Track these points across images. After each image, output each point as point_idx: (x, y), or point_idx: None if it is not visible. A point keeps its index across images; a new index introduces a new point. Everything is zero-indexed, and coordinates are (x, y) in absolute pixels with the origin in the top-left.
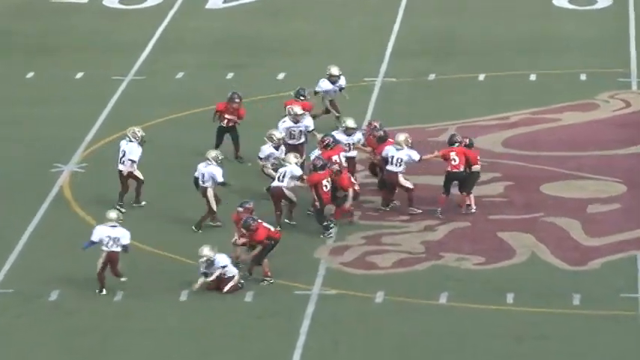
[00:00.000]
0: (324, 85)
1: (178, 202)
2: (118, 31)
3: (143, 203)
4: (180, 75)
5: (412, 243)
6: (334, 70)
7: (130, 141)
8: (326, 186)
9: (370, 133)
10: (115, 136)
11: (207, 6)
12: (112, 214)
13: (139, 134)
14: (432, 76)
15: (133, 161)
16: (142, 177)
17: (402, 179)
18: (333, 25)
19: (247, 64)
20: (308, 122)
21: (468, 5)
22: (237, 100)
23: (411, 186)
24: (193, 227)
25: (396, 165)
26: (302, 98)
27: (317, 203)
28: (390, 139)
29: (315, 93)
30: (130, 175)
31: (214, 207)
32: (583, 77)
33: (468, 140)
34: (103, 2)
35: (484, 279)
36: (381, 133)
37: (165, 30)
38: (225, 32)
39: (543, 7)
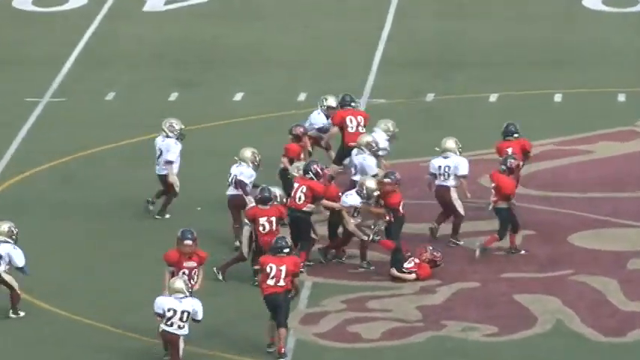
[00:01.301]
0: (319, 119)
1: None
2: (31, 40)
3: (167, 216)
4: (110, 95)
5: (406, 308)
6: (331, 101)
7: (167, 136)
8: (263, 225)
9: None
10: (26, 174)
11: (146, 8)
12: (179, 283)
13: (177, 127)
14: (430, 96)
15: (169, 162)
16: (177, 186)
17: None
18: (305, 30)
19: (196, 80)
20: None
21: (476, 5)
22: None
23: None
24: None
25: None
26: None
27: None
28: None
29: (304, 134)
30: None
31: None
32: (621, 98)
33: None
34: (13, 4)
35: (497, 354)
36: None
37: (91, 38)
38: (168, 41)
39: (570, 8)
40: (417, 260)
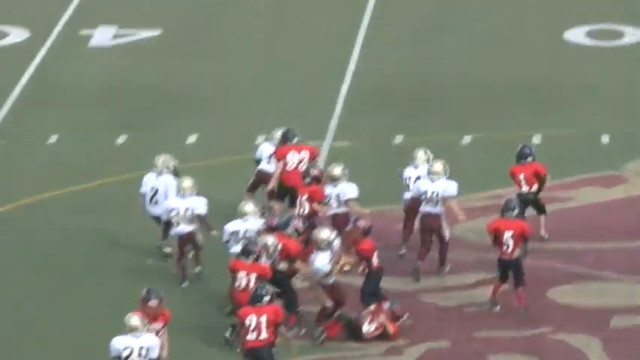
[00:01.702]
0: (269, 151)
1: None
2: None
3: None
4: (53, 138)
5: None
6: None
7: (161, 174)
8: (240, 281)
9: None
10: None
11: (92, 43)
12: (135, 320)
13: (172, 163)
14: (399, 138)
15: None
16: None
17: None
18: (264, 66)
19: (146, 122)
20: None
21: (451, 38)
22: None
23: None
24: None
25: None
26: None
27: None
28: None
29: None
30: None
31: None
32: (605, 139)
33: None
34: None
35: None
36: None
37: (33, 76)
38: (116, 79)
39: (552, 43)
40: (379, 320)
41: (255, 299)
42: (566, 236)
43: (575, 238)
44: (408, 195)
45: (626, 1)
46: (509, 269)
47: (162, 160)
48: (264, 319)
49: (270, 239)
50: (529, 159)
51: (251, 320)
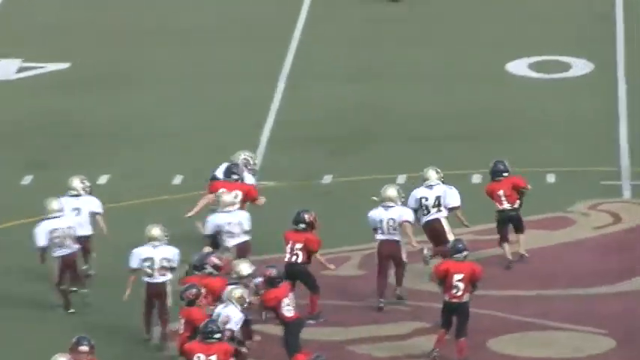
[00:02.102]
0: (247, 179)
1: None
2: None
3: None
4: None
5: None
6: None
7: (79, 195)
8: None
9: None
10: None
11: None
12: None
13: (88, 184)
14: (327, 178)
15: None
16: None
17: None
18: (182, 101)
19: (53, 161)
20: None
21: (383, 72)
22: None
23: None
24: None
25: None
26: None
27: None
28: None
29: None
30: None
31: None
32: (551, 179)
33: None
34: None
35: None
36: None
37: None
38: (21, 115)
39: (493, 74)
40: None
41: (205, 335)
42: (508, 283)
43: (518, 284)
44: (425, 218)
45: (571, 33)
46: (455, 314)
47: (79, 180)
48: (213, 358)
49: (243, 264)
50: (505, 174)
51: (199, 358)
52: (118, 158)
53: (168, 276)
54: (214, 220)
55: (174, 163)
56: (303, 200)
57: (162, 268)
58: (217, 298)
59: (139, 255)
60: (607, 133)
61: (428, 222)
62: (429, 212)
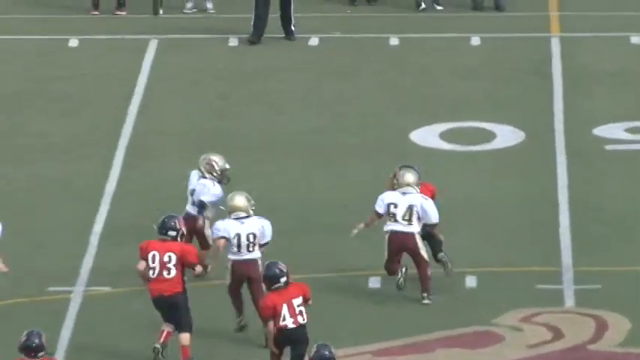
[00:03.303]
0: (213, 190)
1: None
2: None
3: None
4: None
5: None
6: (221, 163)
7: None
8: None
9: None
10: None
11: None
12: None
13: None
14: None
15: None
16: None
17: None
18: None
19: None
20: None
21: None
22: None
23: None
24: None
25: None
26: None
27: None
28: None
29: None
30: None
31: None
32: (471, 282)
33: None
34: None
35: None
36: None
37: None
38: None
39: (397, 143)
40: None
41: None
42: None
43: None
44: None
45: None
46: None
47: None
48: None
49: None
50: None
51: None
52: None
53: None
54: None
55: None
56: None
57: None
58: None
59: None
60: (543, 221)
61: (396, 233)
62: (396, 222)
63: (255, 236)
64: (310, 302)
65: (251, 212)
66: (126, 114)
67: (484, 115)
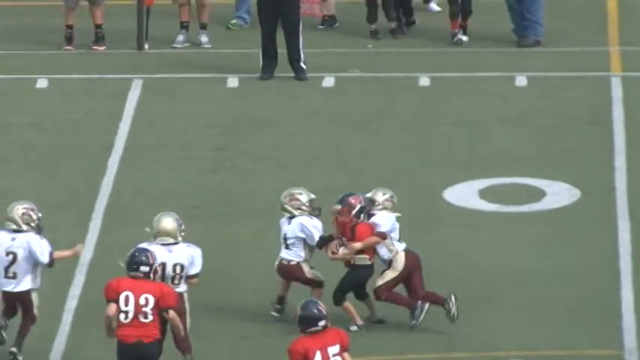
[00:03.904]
0: None
1: None
2: None
3: None
4: None
5: None
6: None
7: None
8: None
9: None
10: None
11: None
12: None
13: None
14: None
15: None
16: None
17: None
18: None
19: None
20: None
21: None
22: None
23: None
24: None
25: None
26: None
27: None
28: None
29: None
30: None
31: None
32: None
33: None
34: None
35: None
36: None
37: None
38: None
39: (430, 204)
40: None
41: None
42: None
43: None
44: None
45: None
46: None
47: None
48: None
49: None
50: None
51: None
52: None
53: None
54: None
55: None
56: None
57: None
58: None
59: None
60: (602, 296)
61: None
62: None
63: (182, 268)
64: (347, 355)
65: (179, 238)
66: (105, 169)
67: (531, 170)
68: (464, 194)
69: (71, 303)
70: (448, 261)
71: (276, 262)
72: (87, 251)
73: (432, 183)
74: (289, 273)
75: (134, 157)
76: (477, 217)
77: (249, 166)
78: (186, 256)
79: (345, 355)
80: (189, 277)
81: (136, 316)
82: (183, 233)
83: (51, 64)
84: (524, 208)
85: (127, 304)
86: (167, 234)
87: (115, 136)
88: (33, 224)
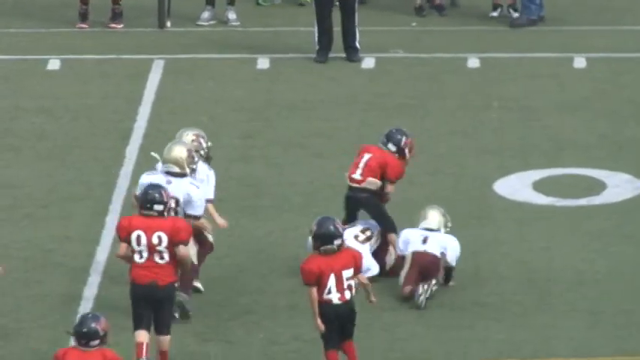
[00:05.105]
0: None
1: None
2: None
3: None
4: None
5: None
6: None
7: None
8: None
9: None
10: None
11: None
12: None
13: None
14: None
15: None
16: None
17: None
18: None
19: None
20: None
21: None
22: None
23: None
24: None
25: None
26: None
27: None
28: None
29: None
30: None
31: None
32: None
33: None
34: None
35: None
36: None
37: None
38: None
39: (479, 196)
40: None
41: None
42: None
43: None
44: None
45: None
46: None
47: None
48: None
49: None
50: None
51: None
52: None
53: None
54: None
55: None
56: None
57: None
58: None
59: None
60: None
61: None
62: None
63: (177, 202)
64: (362, 276)
65: (187, 170)
66: (123, 158)
67: (590, 160)
68: (517, 186)
69: (86, 305)
70: (499, 260)
71: None
72: (102, 249)
73: (482, 174)
74: None
75: (154, 145)
76: (531, 211)
77: (281, 155)
78: (184, 191)
79: (361, 276)
80: (188, 216)
81: (150, 256)
82: (194, 166)
83: (63, 44)
84: (583, 201)
85: (138, 244)
86: (175, 162)
87: (133, 122)
88: (202, 152)
